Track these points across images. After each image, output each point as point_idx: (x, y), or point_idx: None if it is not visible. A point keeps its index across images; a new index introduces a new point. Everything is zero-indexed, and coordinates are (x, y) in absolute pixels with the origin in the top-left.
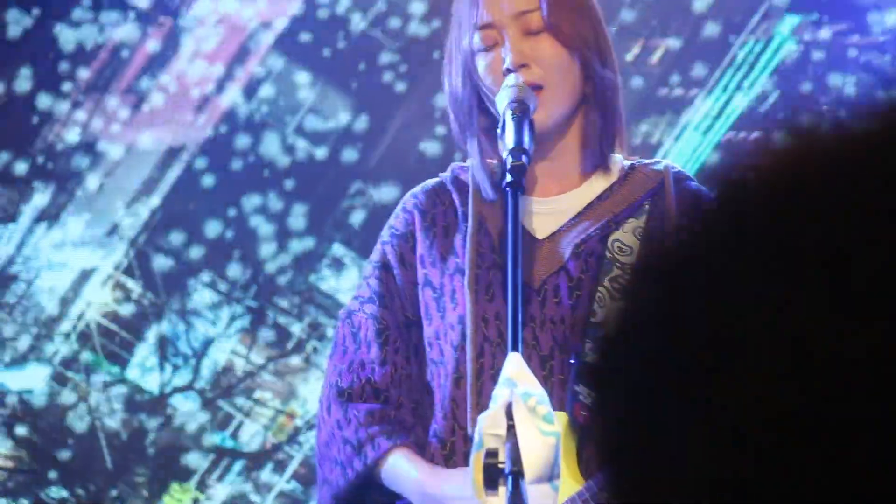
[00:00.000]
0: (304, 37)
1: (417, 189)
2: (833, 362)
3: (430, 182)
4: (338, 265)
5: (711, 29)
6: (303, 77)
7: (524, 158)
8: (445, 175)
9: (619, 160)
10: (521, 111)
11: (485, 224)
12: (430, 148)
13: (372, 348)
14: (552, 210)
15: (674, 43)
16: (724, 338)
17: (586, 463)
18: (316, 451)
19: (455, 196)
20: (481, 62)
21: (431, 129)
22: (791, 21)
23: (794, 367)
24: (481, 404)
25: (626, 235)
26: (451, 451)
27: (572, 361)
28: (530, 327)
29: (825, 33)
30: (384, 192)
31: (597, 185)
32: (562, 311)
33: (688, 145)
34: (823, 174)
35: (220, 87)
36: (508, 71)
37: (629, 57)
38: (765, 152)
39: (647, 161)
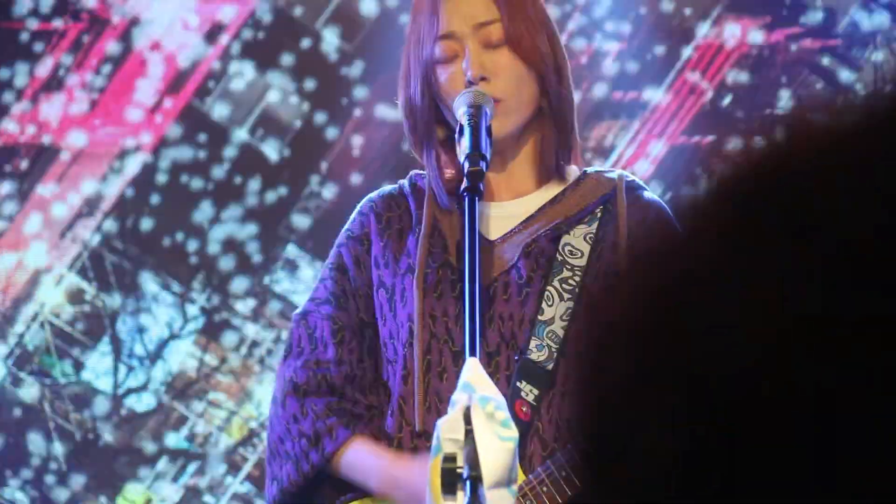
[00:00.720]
0: (259, 36)
1: (374, 194)
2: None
3: (388, 187)
4: (292, 267)
5: (665, 32)
6: (257, 76)
7: (482, 164)
8: (403, 181)
9: (574, 170)
10: (478, 116)
11: (438, 226)
12: (387, 148)
13: (328, 348)
14: (506, 214)
15: (626, 46)
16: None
17: (529, 459)
18: (266, 449)
19: (411, 200)
20: (441, 73)
21: (388, 128)
22: (744, 24)
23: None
24: (428, 401)
25: (577, 240)
26: (398, 447)
27: (516, 358)
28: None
29: (776, 36)
30: (337, 194)
31: (550, 191)
32: (510, 307)
33: (641, 150)
34: (804, 162)
35: (176, 86)
36: (470, 84)
37: (583, 59)
38: (749, 144)
39: (601, 168)
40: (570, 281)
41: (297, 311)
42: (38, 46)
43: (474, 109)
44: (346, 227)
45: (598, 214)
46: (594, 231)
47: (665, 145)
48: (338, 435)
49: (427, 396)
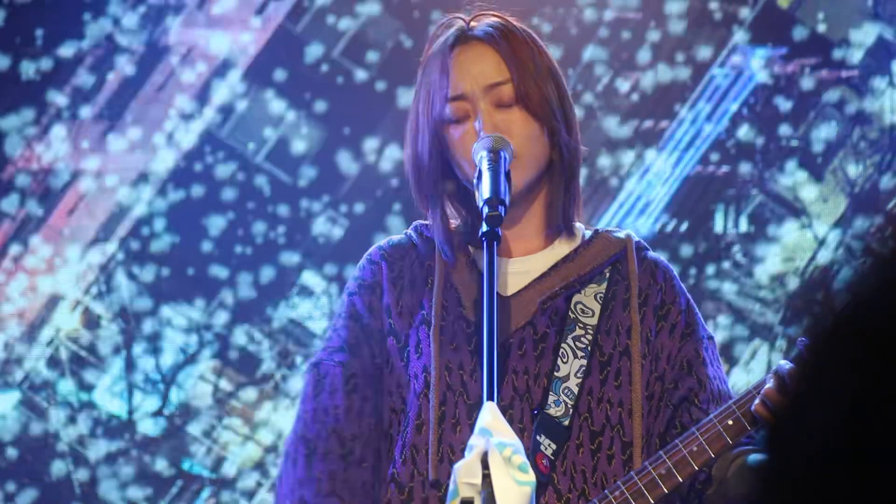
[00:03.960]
0: (273, 62)
1: (383, 242)
2: None
3: (395, 237)
4: (307, 293)
5: (681, 60)
6: (273, 101)
7: (500, 209)
8: (409, 231)
9: (581, 227)
10: (497, 161)
11: (450, 279)
12: (402, 174)
13: (337, 395)
14: (518, 270)
15: (644, 74)
16: None
17: None
18: (276, 495)
19: (421, 252)
20: (454, 132)
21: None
22: (761, 54)
23: None
24: (442, 451)
25: (588, 299)
26: (409, 497)
27: (535, 412)
28: None
29: (793, 66)
30: (355, 222)
31: (560, 248)
32: (525, 362)
33: (656, 178)
34: None
35: (191, 113)
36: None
37: (599, 87)
38: None
39: (610, 229)
40: (583, 339)
41: (311, 359)
42: (60, 72)
43: (493, 154)
44: (355, 275)
45: (607, 274)
46: (604, 291)
47: (679, 175)
48: None
49: (441, 447)
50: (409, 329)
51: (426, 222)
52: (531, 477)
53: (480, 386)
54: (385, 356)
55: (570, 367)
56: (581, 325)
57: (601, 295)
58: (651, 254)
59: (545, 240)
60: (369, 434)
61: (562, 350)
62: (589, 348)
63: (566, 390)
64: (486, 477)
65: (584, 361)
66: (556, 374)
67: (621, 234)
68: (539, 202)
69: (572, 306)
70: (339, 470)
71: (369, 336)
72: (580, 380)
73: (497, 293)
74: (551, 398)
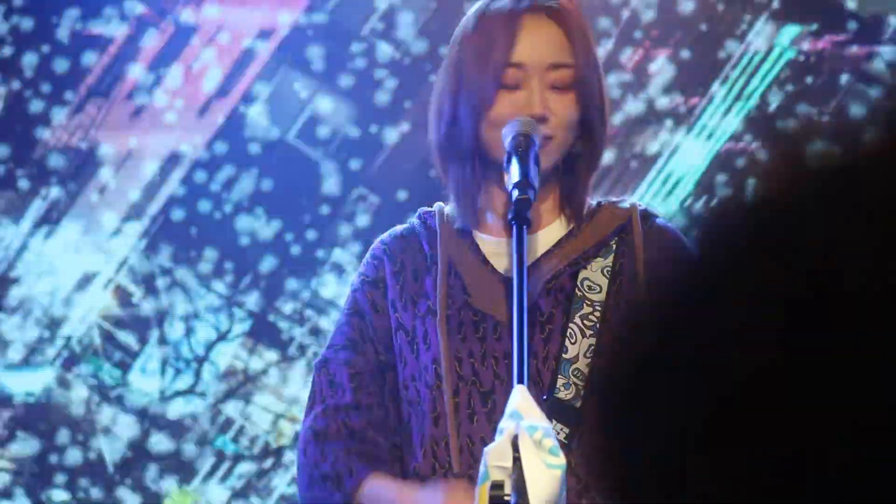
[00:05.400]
0: (305, 43)
1: (385, 235)
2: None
3: (399, 228)
4: (339, 271)
5: (710, 39)
6: (305, 83)
7: (531, 193)
8: (413, 220)
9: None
10: (527, 145)
11: (454, 267)
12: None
13: (346, 393)
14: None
15: (672, 52)
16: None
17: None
18: (298, 493)
19: (424, 242)
20: (502, 99)
21: None
22: (790, 31)
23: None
24: (461, 442)
25: (595, 274)
26: None
27: (544, 398)
28: (503, 363)
29: (824, 43)
30: (386, 198)
31: (564, 223)
32: (533, 345)
33: (686, 156)
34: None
35: (223, 92)
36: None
37: (629, 65)
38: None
39: (614, 199)
40: (591, 317)
41: (318, 358)
42: (89, 48)
43: (522, 138)
44: (360, 270)
45: (614, 246)
46: (611, 264)
47: (711, 149)
48: (357, 471)
49: (459, 438)
50: (414, 320)
51: (430, 209)
52: (562, 460)
53: (492, 372)
54: (390, 353)
55: (579, 348)
56: (589, 303)
57: (608, 269)
58: (660, 220)
59: (552, 218)
60: (381, 428)
61: (569, 330)
62: (598, 326)
63: (576, 371)
64: (517, 460)
65: (594, 340)
66: (564, 355)
67: (625, 205)
68: (550, 187)
69: (579, 283)
70: (353, 444)
71: (373, 332)
72: (590, 359)
73: (500, 274)
74: (560, 381)
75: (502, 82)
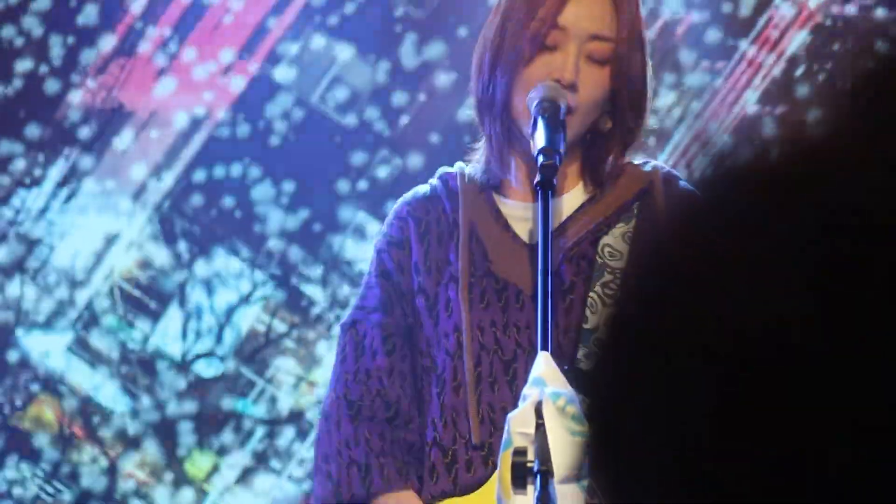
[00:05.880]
0: (329, 5)
1: (409, 196)
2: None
3: (421, 189)
4: (361, 234)
5: (736, 3)
6: (328, 44)
7: (556, 158)
8: (434, 182)
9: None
10: (553, 110)
11: (476, 232)
12: (462, 115)
13: (378, 356)
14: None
15: (697, 17)
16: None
17: None
18: (314, 458)
19: (446, 203)
20: (539, 59)
21: (462, 98)
22: None
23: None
24: (482, 412)
25: (616, 240)
26: (453, 460)
27: (566, 368)
28: (525, 332)
29: (852, 6)
30: (411, 162)
31: (585, 188)
32: (556, 316)
33: (711, 119)
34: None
35: (246, 53)
36: (558, 82)
37: (651, 33)
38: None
39: (636, 162)
40: (612, 285)
41: (345, 319)
42: (113, 11)
43: (548, 103)
44: (383, 230)
45: (636, 211)
46: (632, 229)
47: (737, 114)
48: (389, 479)
49: (480, 408)
50: (437, 287)
51: (451, 170)
52: (585, 427)
53: (514, 341)
54: (416, 315)
55: (600, 317)
56: (610, 270)
57: (629, 234)
58: (684, 183)
59: (572, 183)
60: (412, 395)
61: (590, 300)
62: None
63: (597, 342)
64: (540, 427)
65: None
66: (584, 325)
67: (648, 167)
68: (574, 154)
69: (600, 250)
70: (387, 430)
71: (400, 294)
72: None
73: (521, 241)
74: (581, 352)
75: (544, 42)
